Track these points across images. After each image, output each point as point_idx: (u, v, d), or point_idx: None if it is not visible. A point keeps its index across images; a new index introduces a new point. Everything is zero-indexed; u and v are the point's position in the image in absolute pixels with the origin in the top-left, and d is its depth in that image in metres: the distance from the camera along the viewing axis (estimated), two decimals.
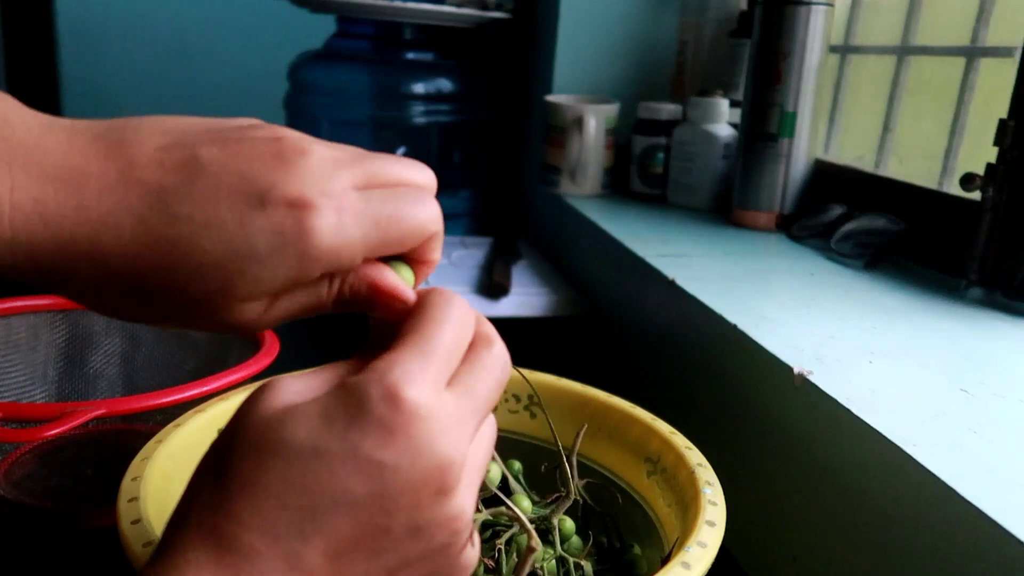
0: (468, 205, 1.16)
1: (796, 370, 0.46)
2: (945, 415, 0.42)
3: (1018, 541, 0.31)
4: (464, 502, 0.26)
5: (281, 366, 0.55)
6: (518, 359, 0.32)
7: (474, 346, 0.28)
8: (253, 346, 0.60)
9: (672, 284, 0.63)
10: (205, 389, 0.52)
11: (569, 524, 0.45)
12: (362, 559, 0.24)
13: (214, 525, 0.23)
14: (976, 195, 0.60)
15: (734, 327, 0.53)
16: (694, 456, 0.42)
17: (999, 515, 0.33)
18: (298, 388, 0.26)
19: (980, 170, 0.59)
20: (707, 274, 0.65)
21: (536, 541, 0.34)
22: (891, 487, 0.39)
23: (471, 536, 0.28)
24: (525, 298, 0.80)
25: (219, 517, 0.23)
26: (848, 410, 0.42)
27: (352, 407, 0.24)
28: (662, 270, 0.66)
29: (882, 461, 0.39)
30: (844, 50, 0.89)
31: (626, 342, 0.75)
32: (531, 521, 0.43)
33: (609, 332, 0.79)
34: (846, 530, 0.43)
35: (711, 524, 0.36)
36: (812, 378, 0.45)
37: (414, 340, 0.26)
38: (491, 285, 0.80)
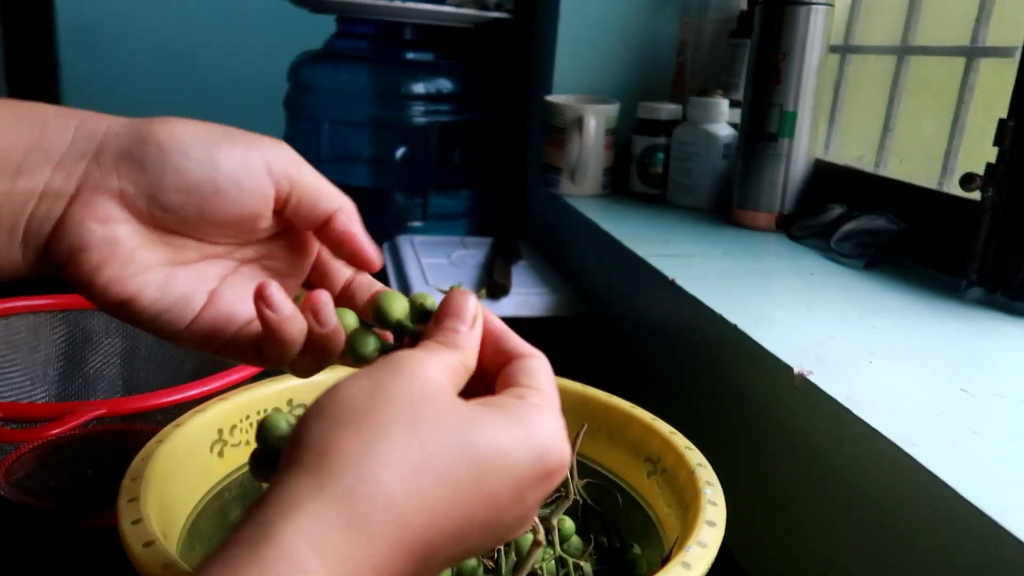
0: (468, 205, 1.16)
1: (796, 370, 0.46)
2: (945, 415, 0.42)
3: (1018, 541, 0.31)
4: None
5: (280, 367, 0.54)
6: None
7: None
8: None
9: (672, 284, 0.63)
10: (205, 389, 0.52)
11: (569, 524, 0.45)
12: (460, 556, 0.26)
13: (381, 486, 0.23)
14: (976, 195, 0.60)
15: (734, 327, 0.53)
16: (694, 456, 0.42)
17: (999, 515, 0.33)
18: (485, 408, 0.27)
19: (980, 170, 0.59)
20: (707, 274, 0.65)
21: (542, 536, 0.34)
22: (891, 487, 0.39)
23: None
24: (525, 298, 0.80)
25: (392, 482, 0.23)
26: (848, 410, 0.42)
27: (537, 463, 0.26)
28: (662, 270, 0.66)
29: (882, 461, 0.39)
30: (844, 50, 0.89)
31: (626, 342, 0.75)
32: None
33: (609, 332, 0.79)
34: (846, 530, 0.43)
35: (711, 524, 0.36)
36: (812, 378, 0.45)
37: (551, 396, 0.29)
38: (491, 285, 0.80)
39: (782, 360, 0.48)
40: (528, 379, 0.29)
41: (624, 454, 0.47)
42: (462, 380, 0.29)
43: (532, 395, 0.28)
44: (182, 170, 0.30)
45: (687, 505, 0.40)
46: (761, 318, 0.55)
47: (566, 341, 0.81)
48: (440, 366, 0.27)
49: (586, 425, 0.47)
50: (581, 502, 0.46)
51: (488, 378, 0.31)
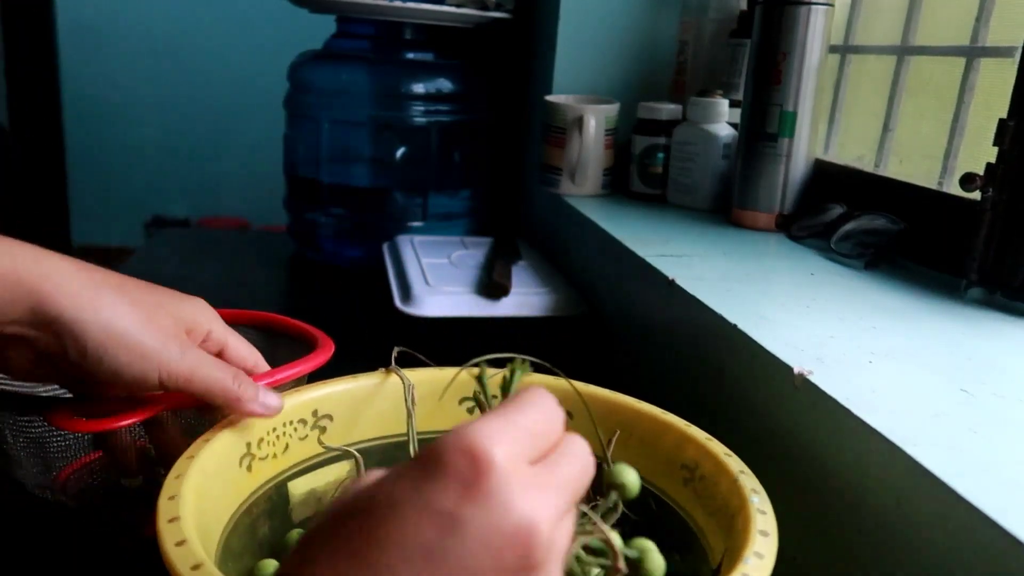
0: (468, 205, 1.16)
1: (796, 370, 0.46)
2: (945, 415, 0.42)
3: (1018, 541, 0.31)
4: None
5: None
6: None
7: (559, 440, 0.27)
8: (306, 346, 0.59)
9: (672, 284, 0.63)
10: (280, 377, 0.49)
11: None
12: None
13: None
14: (976, 195, 0.60)
15: (734, 327, 0.53)
16: (735, 463, 0.41)
17: (999, 515, 0.33)
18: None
19: (980, 170, 0.59)
20: (707, 274, 0.65)
21: (622, 563, 0.33)
22: (891, 487, 0.39)
23: None
24: (525, 298, 0.80)
25: (298, 569, 0.25)
26: (848, 410, 0.42)
27: (430, 463, 0.24)
28: (662, 270, 0.66)
29: (882, 461, 0.39)
30: (844, 50, 0.89)
31: (626, 342, 0.75)
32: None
33: (609, 332, 0.79)
34: (846, 530, 0.43)
35: (764, 534, 0.35)
36: (812, 378, 0.45)
37: (499, 410, 0.26)
38: (491, 285, 0.80)
39: (782, 360, 0.48)
40: None
41: (657, 462, 0.46)
42: None
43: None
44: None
45: (733, 514, 0.39)
46: (761, 318, 0.55)
47: (566, 341, 0.81)
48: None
49: (618, 432, 0.46)
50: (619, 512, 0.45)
51: None
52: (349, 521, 0.24)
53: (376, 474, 0.26)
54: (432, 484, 0.23)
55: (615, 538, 0.37)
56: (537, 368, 0.47)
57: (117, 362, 0.39)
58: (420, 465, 0.24)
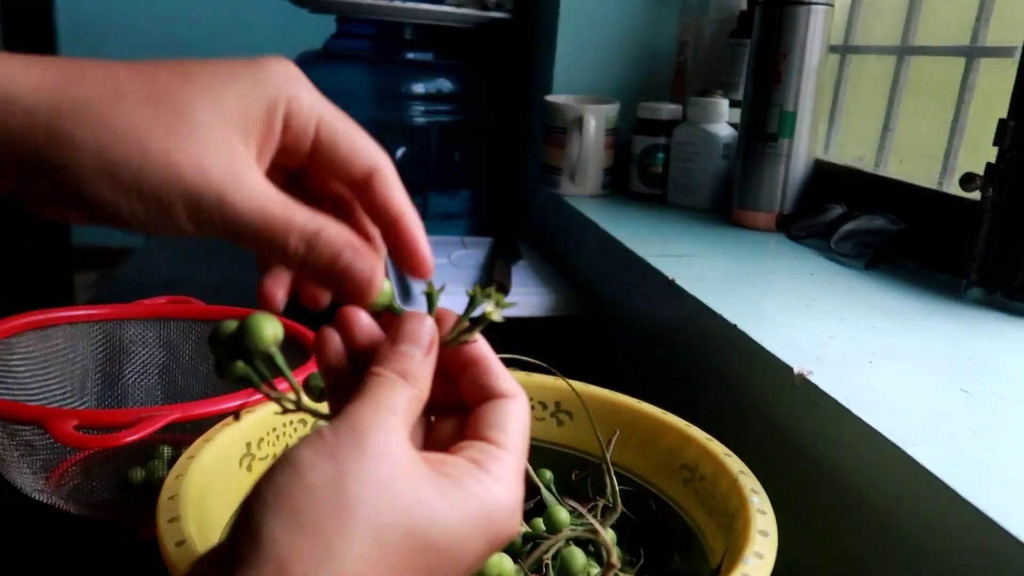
0: (468, 205, 1.16)
1: (796, 370, 0.46)
2: (945, 415, 0.42)
3: (1018, 541, 0.31)
4: None
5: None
6: (519, 360, 0.32)
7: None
8: (300, 355, 0.59)
9: (672, 284, 0.63)
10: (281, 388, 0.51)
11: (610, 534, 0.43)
12: None
13: None
14: (976, 195, 0.60)
15: (734, 327, 0.53)
16: (734, 464, 0.42)
17: (999, 515, 0.33)
18: (418, 477, 0.26)
19: (980, 170, 0.59)
20: (707, 274, 0.65)
21: (616, 558, 0.33)
22: (891, 487, 0.39)
23: None
24: (525, 298, 0.80)
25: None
26: (848, 410, 0.42)
27: (494, 524, 0.27)
28: (662, 270, 0.66)
29: (882, 461, 0.39)
30: (844, 50, 0.89)
31: (626, 342, 0.75)
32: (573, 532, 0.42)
33: (609, 332, 0.79)
34: (845, 530, 0.43)
35: (764, 534, 0.36)
36: (812, 378, 0.45)
37: (517, 454, 0.29)
38: (491, 285, 0.80)
39: (782, 360, 0.48)
40: (496, 432, 0.28)
41: (657, 462, 0.46)
42: (416, 414, 0.28)
43: (494, 464, 0.27)
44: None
45: (732, 514, 0.39)
46: (761, 318, 0.55)
47: (566, 341, 0.81)
48: (399, 422, 0.26)
49: (618, 432, 0.46)
50: (618, 512, 0.45)
51: (462, 405, 0.30)
52: (415, 560, 0.25)
53: (407, 480, 0.25)
54: (488, 546, 0.27)
55: (609, 536, 0.37)
56: (537, 368, 0.48)
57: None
58: (481, 544, 0.26)
